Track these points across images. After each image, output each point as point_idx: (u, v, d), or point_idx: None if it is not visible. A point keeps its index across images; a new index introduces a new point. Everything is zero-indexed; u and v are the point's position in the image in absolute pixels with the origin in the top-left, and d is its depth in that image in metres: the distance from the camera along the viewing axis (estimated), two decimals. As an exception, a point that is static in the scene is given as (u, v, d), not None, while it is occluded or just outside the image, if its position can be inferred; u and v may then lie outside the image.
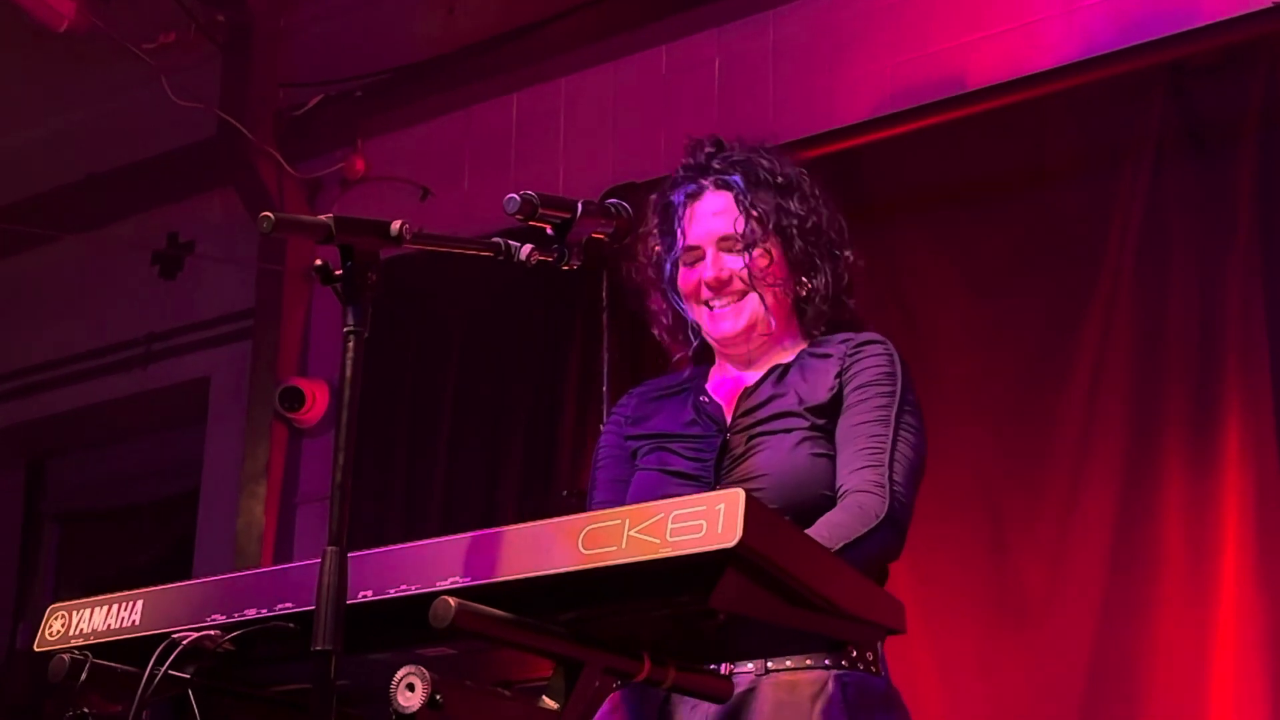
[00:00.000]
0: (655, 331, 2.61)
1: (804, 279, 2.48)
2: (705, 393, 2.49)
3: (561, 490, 4.41)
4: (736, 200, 2.47)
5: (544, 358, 4.82)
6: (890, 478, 2.25)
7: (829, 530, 2.16)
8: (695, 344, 2.57)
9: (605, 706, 2.31)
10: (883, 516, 2.21)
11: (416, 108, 5.36)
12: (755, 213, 2.46)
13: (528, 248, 2.01)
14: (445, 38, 5.32)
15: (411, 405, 5.06)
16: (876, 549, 2.21)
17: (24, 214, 5.84)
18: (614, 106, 4.93)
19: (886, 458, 2.27)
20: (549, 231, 2.09)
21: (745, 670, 2.21)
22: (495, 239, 2.01)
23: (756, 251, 2.45)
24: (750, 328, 2.46)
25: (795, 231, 2.48)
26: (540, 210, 2.04)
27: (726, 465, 2.35)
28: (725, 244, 2.47)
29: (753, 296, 2.45)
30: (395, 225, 1.79)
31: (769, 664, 2.21)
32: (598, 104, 4.99)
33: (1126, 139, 3.96)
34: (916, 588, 3.90)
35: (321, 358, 5.31)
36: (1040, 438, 3.93)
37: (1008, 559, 3.90)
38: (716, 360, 2.55)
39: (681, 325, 2.57)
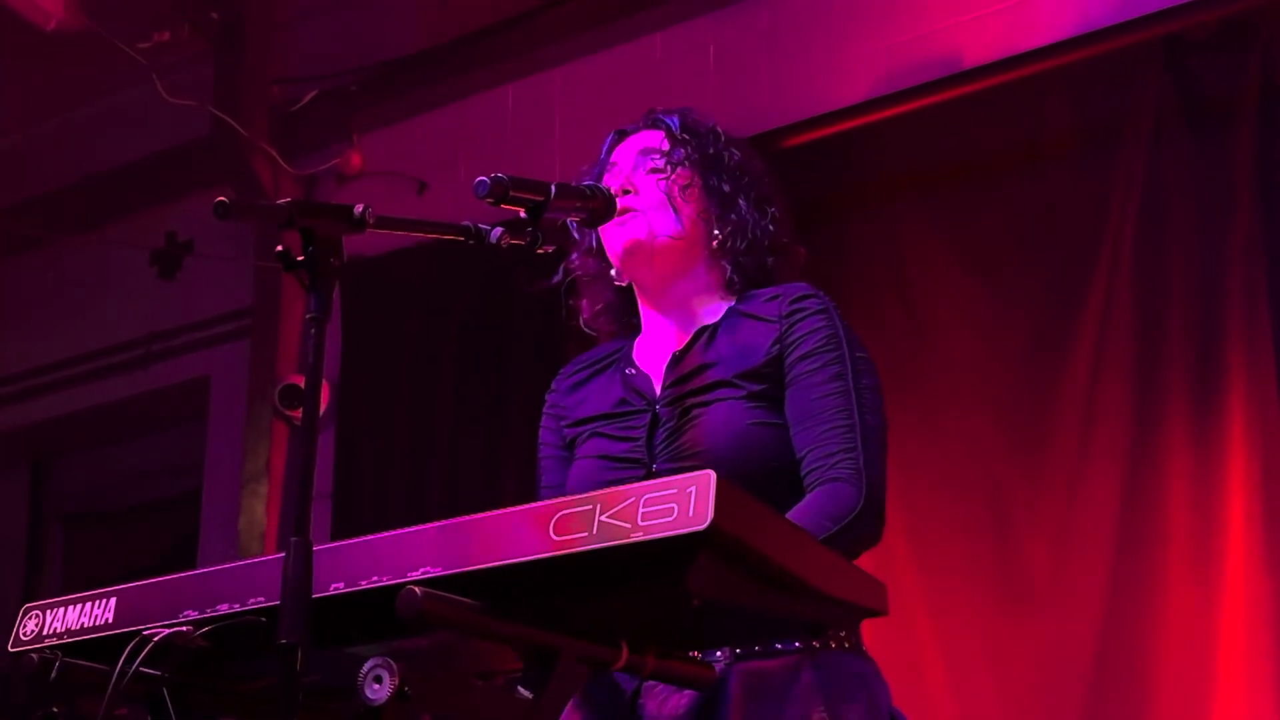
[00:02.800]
0: (573, 303, 2.48)
1: (722, 217, 2.35)
2: (632, 364, 2.38)
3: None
4: (667, 133, 2.38)
5: (542, 347, 4.79)
6: (865, 461, 2.17)
7: (802, 524, 2.08)
8: (612, 309, 2.44)
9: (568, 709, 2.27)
10: (860, 506, 2.13)
11: (411, 101, 5.34)
12: (685, 137, 2.36)
13: (498, 230, 1.98)
14: (439, 30, 5.30)
15: (411, 400, 5.05)
16: (852, 541, 2.13)
17: (21, 216, 5.83)
18: (609, 95, 4.90)
19: (858, 437, 2.18)
20: (522, 215, 2.06)
21: (715, 659, 2.14)
22: (465, 223, 1.97)
23: (679, 170, 2.33)
24: (651, 238, 2.31)
25: (723, 167, 2.37)
26: (512, 193, 2.01)
27: (661, 441, 2.26)
28: (643, 158, 2.36)
29: (661, 209, 2.32)
30: (357, 209, 1.75)
31: (737, 650, 2.15)
32: (593, 93, 4.96)
33: (1124, 115, 3.93)
34: (920, 571, 3.88)
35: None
36: (1043, 418, 3.90)
37: (1012, 541, 3.87)
38: (642, 326, 2.43)
39: (597, 278, 2.43)
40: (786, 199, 2.45)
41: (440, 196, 5.15)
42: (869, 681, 2.20)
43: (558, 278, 2.50)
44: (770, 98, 4.55)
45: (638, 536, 1.59)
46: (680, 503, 1.58)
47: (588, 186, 2.16)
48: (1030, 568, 3.83)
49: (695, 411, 2.25)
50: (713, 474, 1.58)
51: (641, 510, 1.60)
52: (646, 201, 2.33)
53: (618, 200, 2.32)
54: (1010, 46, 4.14)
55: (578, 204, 2.12)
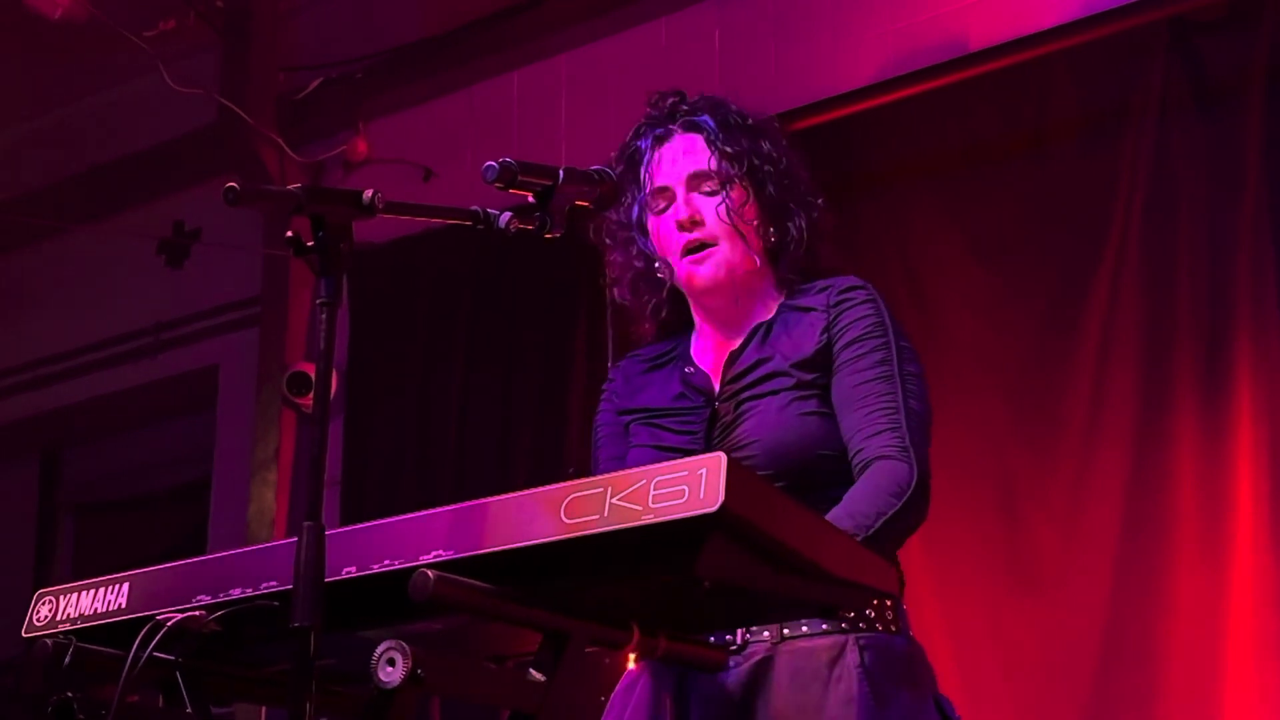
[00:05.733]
0: (617, 293, 2.48)
1: (778, 224, 2.36)
2: (691, 362, 2.39)
3: (568, 468, 4.38)
4: (708, 140, 2.37)
5: (551, 334, 4.80)
6: (911, 441, 2.19)
7: (866, 505, 2.12)
8: (664, 308, 2.44)
9: (622, 683, 2.29)
10: (914, 485, 2.16)
11: (417, 88, 5.34)
12: (730, 149, 2.36)
13: (507, 215, 1.98)
14: (444, 17, 5.30)
15: (419, 386, 5.05)
16: (914, 518, 2.17)
17: (29, 207, 5.84)
18: (615, 81, 4.90)
19: (902, 418, 2.20)
20: (531, 200, 2.06)
21: (761, 639, 2.17)
22: (474, 208, 1.97)
23: (734, 190, 2.34)
24: (730, 273, 2.34)
25: (769, 173, 2.37)
26: (520, 177, 2.00)
27: (717, 435, 2.28)
28: (695, 181, 2.36)
29: (731, 238, 2.33)
30: (366, 194, 1.76)
31: (785, 630, 2.17)
32: (598, 79, 4.96)
33: (1131, 97, 3.92)
34: (929, 554, 3.88)
35: (329, 342, 5.30)
36: (1051, 402, 3.90)
37: (1020, 524, 3.87)
38: (696, 324, 2.44)
39: (648, 280, 2.43)
40: (816, 179, 2.46)
41: (446, 183, 5.15)
42: (914, 664, 2.22)
43: (620, 292, 2.49)
44: (776, 81, 4.55)
45: (648, 519, 1.60)
46: (691, 485, 1.59)
47: (596, 170, 2.16)
48: (1038, 549, 3.84)
49: (749, 404, 2.27)
50: (723, 456, 1.59)
51: (653, 493, 1.61)
52: (715, 232, 2.34)
53: (685, 232, 2.33)
54: (1016, 29, 4.13)
55: (586, 188, 2.12)
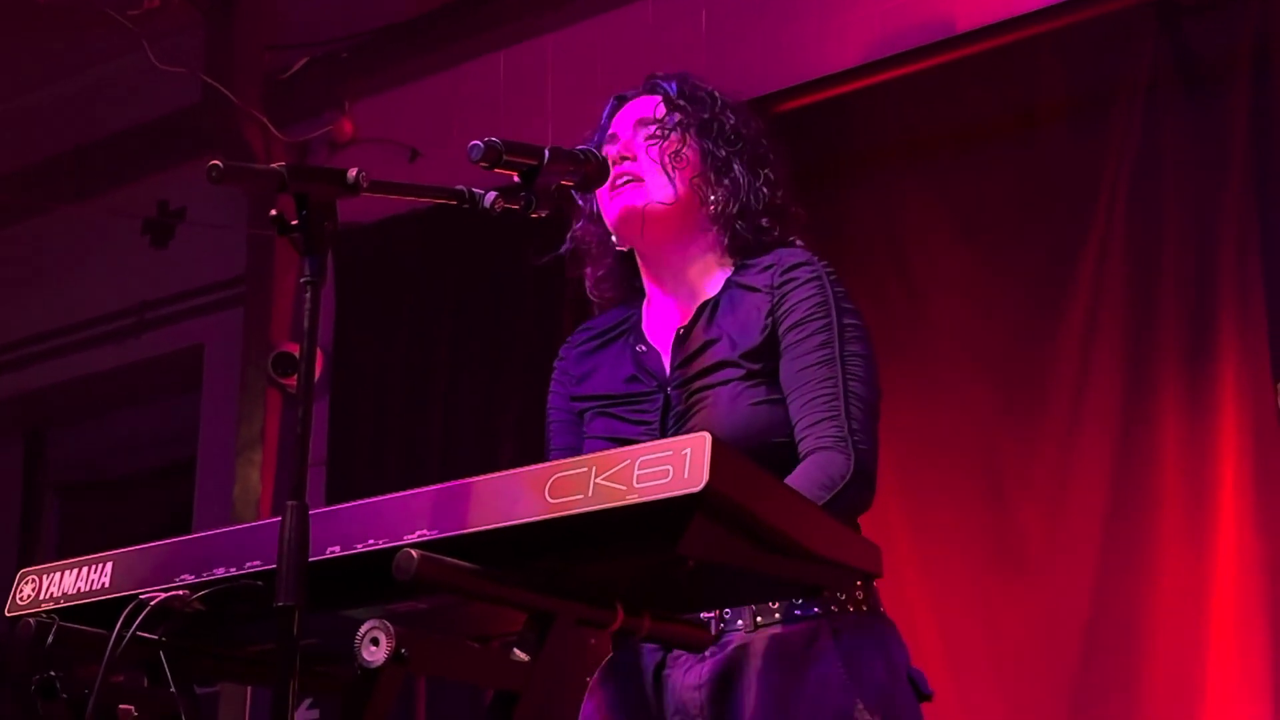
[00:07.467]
0: (585, 268, 2.48)
1: (718, 182, 2.35)
2: (643, 338, 2.38)
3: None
4: (664, 98, 2.39)
5: (536, 313, 4.79)
6: (850, 428, 2.16)
7: None
8: (614, 274, 2.45)
9: (599, 673, 2.28)
10: (850, 475, 2.12)
11: (404, 68, 5.32)
12: (681, 103, 2.37)
13: (492, 195, 1.98)
14: (431, -4, 5.28)
15: (405, 367, 5.05)
16: (844, 509, 2.13)
17: (12, 186, 5.81)
18: (601, 61, 4.88)
19: (841, 405, 2.17)
20: (516, 179, 2.06)
21: (736, 628, 2.17)
22: (459, 187, 1.97)
23: (674, 135, 2.34)
24: (646, 205, 2.32)
25: (718, 133, 2.37)
26: (505, 157, 2.00)
27: (671, 425, 2.27)
28: (640, 128, 2.37)
29: (657, 175, 2.33)
30: (351, 173, 1.75)
31: (759, 618, 2.17)
32: (585, 59, 4.94)
33: (1118, 78, 3.92)
34: (914, 537, 3.89)
35: (314, 322, 5.29)
36: (1036, 383, 3.90)
37: (1005, 506, 3.88)
38: (646, 292, 2.43)
39: (599, 245, 2.44)
40: (787, 161, 2.44)
41: (432, 164, 5.13)
42: (887, 642, 2.22)
43: (566, 247, 2.51)
44: (763, 62, 4.54)
45: (633, 499, 1.60)
46: (675, 465, 1.59)
47: (581, 150, 2.17)
48: (1023, 531, 3.85)
49: (700, 395, 2.26)
50: (708, 436, 1.58)
51: (637, 472, 1.61)
52: (643, 168, 2.34)
53: (616, 167, 2.33)
54: (1004, 10, 4.12)
55: (571, 168, 2.12)
